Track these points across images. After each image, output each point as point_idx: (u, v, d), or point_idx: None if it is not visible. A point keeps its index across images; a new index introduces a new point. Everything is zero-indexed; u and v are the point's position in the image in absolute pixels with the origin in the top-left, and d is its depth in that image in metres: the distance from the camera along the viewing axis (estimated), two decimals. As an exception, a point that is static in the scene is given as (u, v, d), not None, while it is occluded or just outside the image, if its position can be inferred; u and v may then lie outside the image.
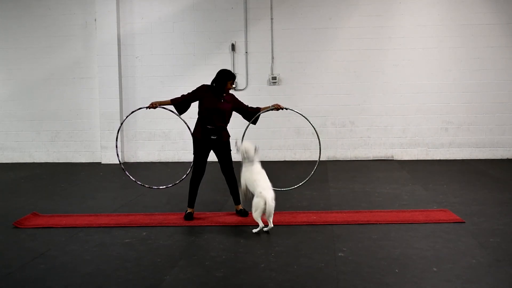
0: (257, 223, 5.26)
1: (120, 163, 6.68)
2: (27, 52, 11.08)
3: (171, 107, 6.06)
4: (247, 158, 5.61)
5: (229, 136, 6.05)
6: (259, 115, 6.07)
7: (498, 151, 10.53)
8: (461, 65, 10.43)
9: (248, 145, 5.65)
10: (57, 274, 4.27)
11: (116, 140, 6.54)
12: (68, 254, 4.76)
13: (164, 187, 6.74)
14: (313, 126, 6.53)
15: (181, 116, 6.10)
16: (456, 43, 10.40)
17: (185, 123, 6.30)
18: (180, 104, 5.94)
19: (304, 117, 6.46)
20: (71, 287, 3.99)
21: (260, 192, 5.26)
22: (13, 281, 4.14)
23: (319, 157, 6.58)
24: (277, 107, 6.05)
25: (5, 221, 5.93)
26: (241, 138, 6.26)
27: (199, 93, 5.90)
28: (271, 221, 5.27)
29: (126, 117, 6.67)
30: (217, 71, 5.95)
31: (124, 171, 6.46)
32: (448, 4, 10.39)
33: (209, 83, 6.05)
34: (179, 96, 6.02)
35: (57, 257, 4.68)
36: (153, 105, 5.92)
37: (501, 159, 10.44)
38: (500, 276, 4.06)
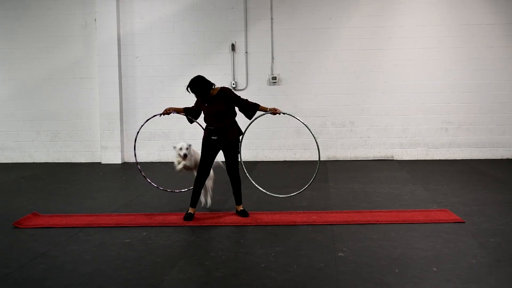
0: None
1: (136, 162, 6.84)
2: (27, 52, 11.07)
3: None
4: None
5: (236, 136, 5.99)
6: (257, 117, 6.07)
7: (498, 151, 10.52)
8: (461, 65, 10.43)
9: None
10: (57, 274, 4.27)
11: (135, 141, 6.79)
12: (68, 254, 4.76)
13: (178, 191, 6.83)
14: (310, 130, 6.44)
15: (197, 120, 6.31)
16: (456, 43, 10.40)
17: (199, 125, 6.45)
18: (192, 112, 6.14)
19: (302, 123, 6.45)
20: (71, 287, 4.00)
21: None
22: (13, 281, 4.14)
23: (318, 166, 6.44)
24: (273, 111, 6.02)
25: (5, 221, 5.93)
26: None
27: (197, 101, 6.09)
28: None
29: (142, 125, 6.87)
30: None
31: (140, 171, 6.65)
32: (448, 4, 10.38)
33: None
34: (193, 105, 6.19)
35: (57, 257, 4.68)
36: (167, 111, 6.05)
37: (501, 159, 10.43)
38: (500, 276, 4.06)
